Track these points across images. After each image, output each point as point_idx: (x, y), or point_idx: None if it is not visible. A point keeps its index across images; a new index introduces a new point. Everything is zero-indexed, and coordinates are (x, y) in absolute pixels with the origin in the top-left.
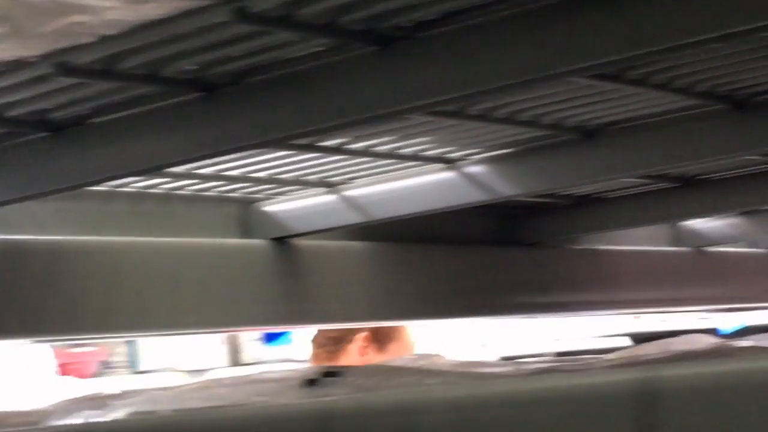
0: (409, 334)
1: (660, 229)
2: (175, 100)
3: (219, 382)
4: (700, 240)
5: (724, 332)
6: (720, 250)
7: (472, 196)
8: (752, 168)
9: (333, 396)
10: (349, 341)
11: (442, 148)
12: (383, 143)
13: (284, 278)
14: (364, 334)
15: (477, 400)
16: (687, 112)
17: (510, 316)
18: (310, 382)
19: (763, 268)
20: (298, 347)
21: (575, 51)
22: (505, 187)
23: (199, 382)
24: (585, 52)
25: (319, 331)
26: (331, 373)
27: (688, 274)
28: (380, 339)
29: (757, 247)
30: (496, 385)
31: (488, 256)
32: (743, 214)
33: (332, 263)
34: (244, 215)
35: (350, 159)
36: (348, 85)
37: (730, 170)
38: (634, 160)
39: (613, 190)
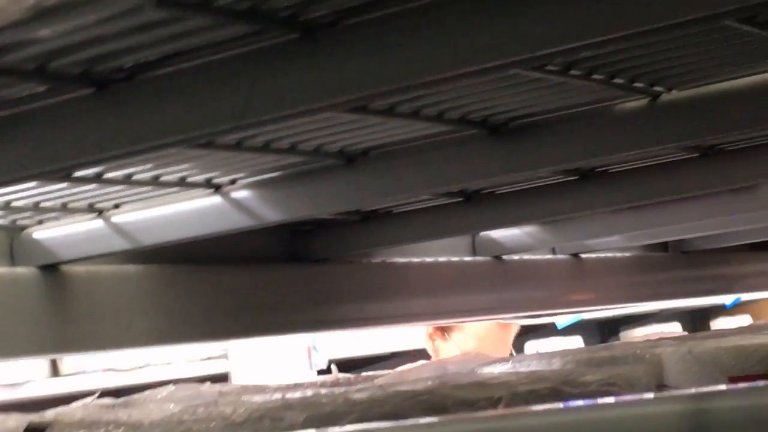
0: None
1: (459, 240)
2: None
3: None
4: (498, 249)
5: (561, 327)
6: (521, 258)
7: (238, 221)
8: (535, 182)
9: None
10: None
11: (206, 173)
12: (143, 171)
13: (55, 305)
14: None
15: None
16: (444, 137)
17: (298, 333)
18: None
19: (565, 274)
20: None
21: (315, 88)
22: (270, 212)
23: None
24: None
25: None
26: (35, 429)
27: (487, 282)
28: (444, 329)
29: (558, 254)
30: None
31: (276, 274)
32: (541, 223)
33: (106, 288)
34: (10, 242)
35: (113, 186)
36: (66, 129)
37: (513, 184)
38: (394, 185)
39: (401, 204)
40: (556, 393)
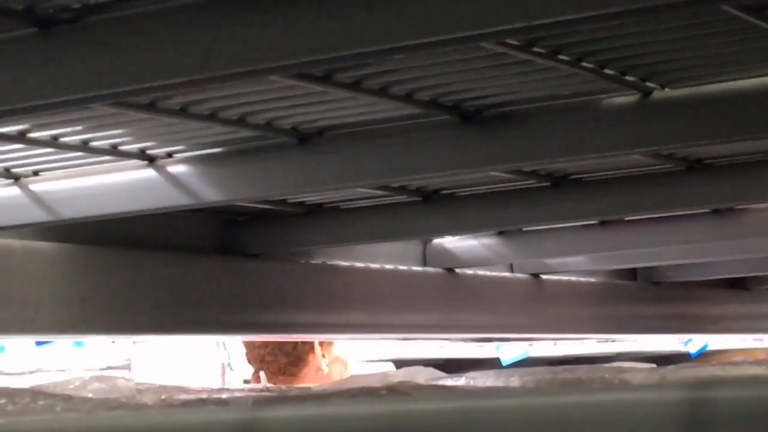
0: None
1: (409, 247)
2: None
3: None
4: (451, 260)
5: (506, 363)
6: (475, 273)
7: (174, 199)
8: (501, 185)
9: None
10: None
11: (141, 142)
12: (71, 133)
13: None
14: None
15: None
16: (410, 121)
17: (224, 336)
18: None
19: (522, 296)
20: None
21: (277, 47)
22: (209, 191)
23: None
24: (287, 50)
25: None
26: None
27: (436, 297)
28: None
29: (517, 272)
30: None
31: (204, 266)
32: (500, 234)
33: (14, 266)
34: None
35: (35, 149)
36: (1, 70)
37: (476, 186)
38: (350, 171)
39: (350, 200)
40: None
